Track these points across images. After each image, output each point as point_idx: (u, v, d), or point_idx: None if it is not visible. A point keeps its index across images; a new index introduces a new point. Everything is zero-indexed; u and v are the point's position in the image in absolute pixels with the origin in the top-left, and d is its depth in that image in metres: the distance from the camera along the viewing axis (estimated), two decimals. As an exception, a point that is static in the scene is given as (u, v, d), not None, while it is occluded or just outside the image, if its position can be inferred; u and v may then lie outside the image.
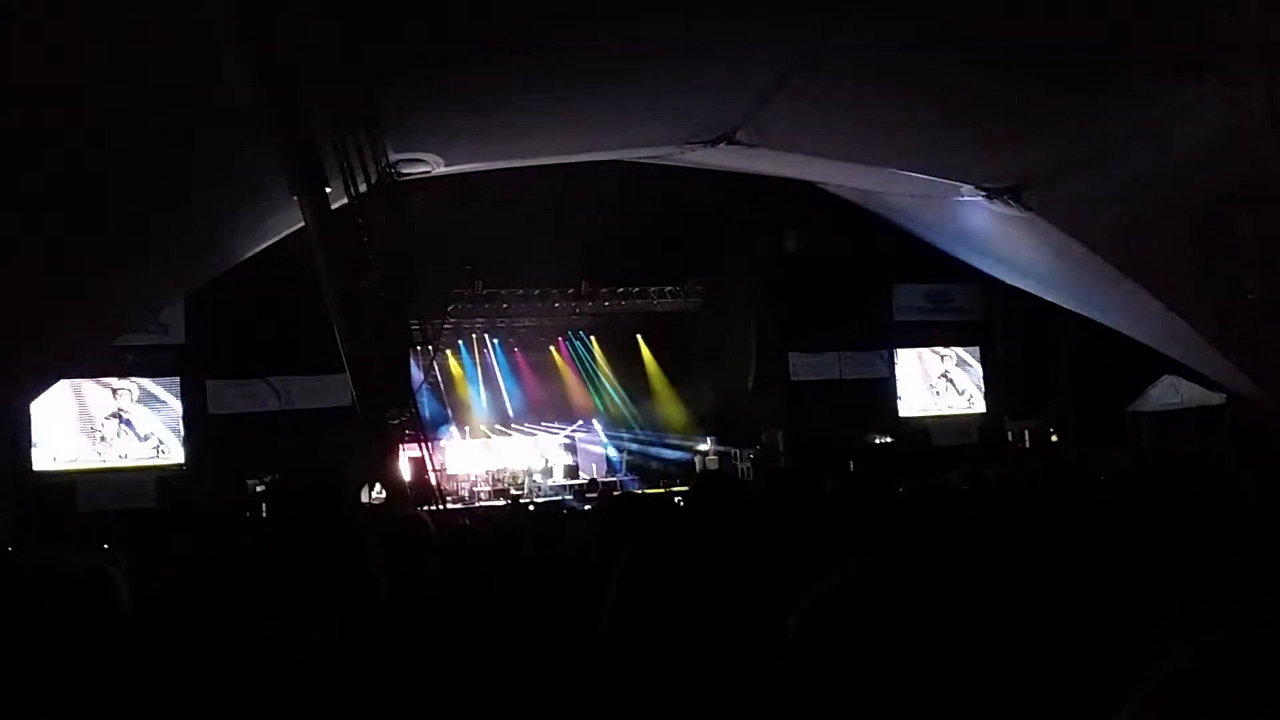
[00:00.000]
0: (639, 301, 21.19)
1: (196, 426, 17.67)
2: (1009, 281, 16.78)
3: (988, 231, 13.92)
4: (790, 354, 20.41)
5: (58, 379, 15.13)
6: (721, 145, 12.00)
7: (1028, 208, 12.23)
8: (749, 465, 19.18)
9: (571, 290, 20.61)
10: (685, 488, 14.70)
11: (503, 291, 20.29)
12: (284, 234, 12.61)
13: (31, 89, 7.07)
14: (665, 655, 2.25)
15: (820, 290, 19.17)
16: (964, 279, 19.62)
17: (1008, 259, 15.18)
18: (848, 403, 20.00)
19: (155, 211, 9.74)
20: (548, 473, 20.22)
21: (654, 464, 20.73)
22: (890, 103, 10.44)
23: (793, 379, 20.39)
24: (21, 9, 6.51)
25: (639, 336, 21.97)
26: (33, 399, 15.29)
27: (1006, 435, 21.08)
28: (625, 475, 20.32)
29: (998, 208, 12.54)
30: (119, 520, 15.14)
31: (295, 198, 9.71)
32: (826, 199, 16.18)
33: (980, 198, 12.50)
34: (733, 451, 19.72)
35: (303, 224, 10.43)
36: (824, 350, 20.48)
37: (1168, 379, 17.84)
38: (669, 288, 21.09)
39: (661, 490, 16.72)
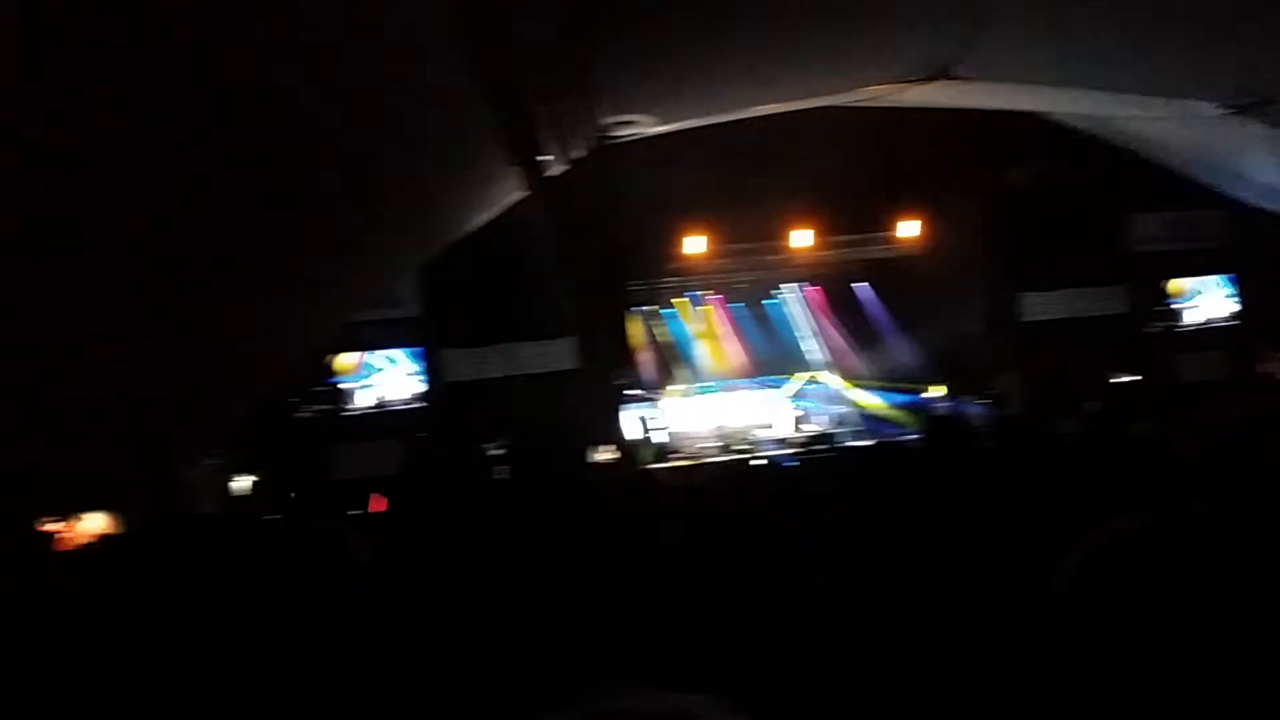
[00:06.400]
0: (859, 249, 20.80)
1: (434, 394, 18.53)
2: (1257, 204, 15.64)
3: (1232, 151, 13.00)
4: (1021, 293, 19.63)
5: (306, 355, 16.06)
6: (938, 81, 11.59)
7: (1277, 124, 11.35)
8: (981, 412, 18.62)
9: (790, 242, 20.41)
10: (915, 436, 14.39)
11: (720, 247, 20.28)
12: (504, 205, 12.96)
13: (262, 80, 7.46)
14: (892, 606, 2.19)
15: (1050, 224, 18.30)
16: (1207, 204, 18.40)
17: (1255, 180, 14.15)
18: (1085, 342, 19.09)
19: (385, 190, 10.16)
20: (773, 427, 20.20)
21: (882, 414, 20.39)
22: (1125, 19, 9.81)
23: (1024, 319, 19.62)
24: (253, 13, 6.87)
25: (861, 284, 21.58)
26: (285, 374, 16.31)
27: (1261, 369, 19.69)
28: (853, 426, 20.06)
29: (1243, 125, 11.67)
30: (368, 488, 15.98)
31: (514, 167, 9.96)
32: (1052, 127, 15.46)
33: (1224, 115, 11.65)
34: (964, 398, 19.19)
35: (522, 193, 10.70)
36: (1057, 288, 19.58)
37: None
38: (889, 232, 20.62)
39: (890, 440, 16.41)
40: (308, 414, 18.10)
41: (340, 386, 18.60)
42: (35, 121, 6.07)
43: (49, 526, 8.93)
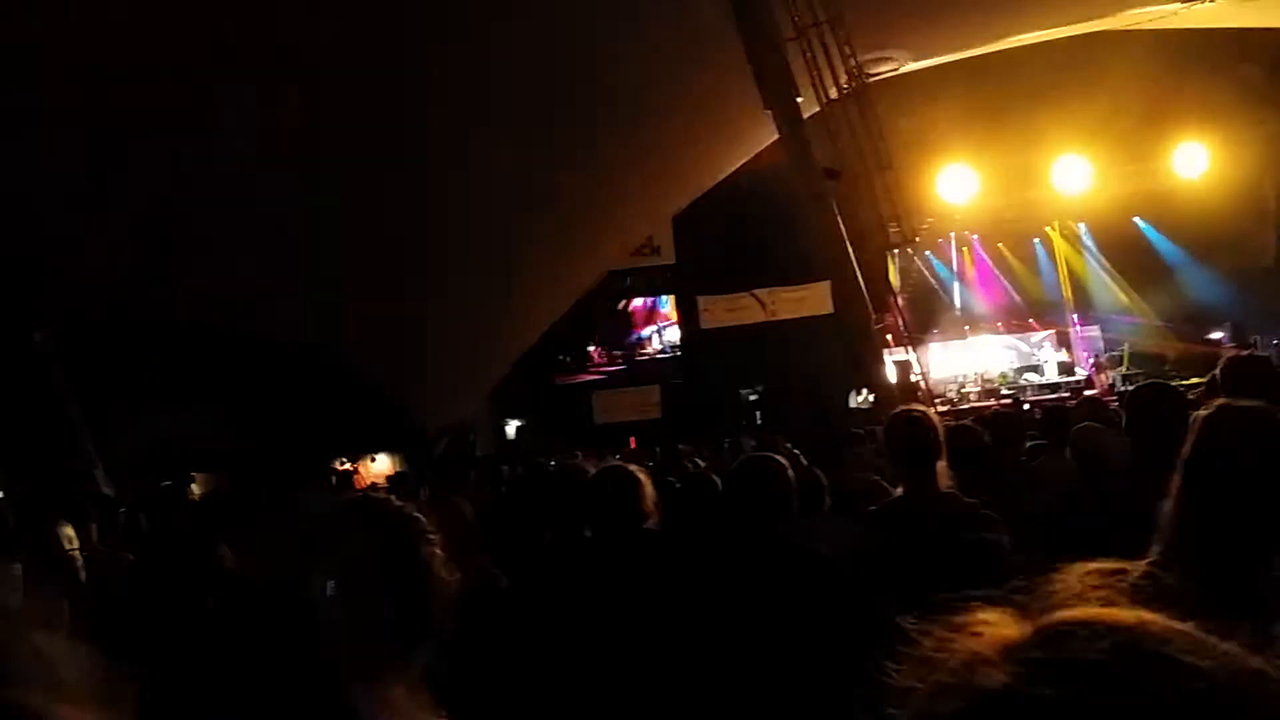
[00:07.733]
0: (1134, 181, 19.54)
1: (691, 340, 18.83)
2: None
3: None
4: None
5: (570, 304, 16.63)
6: (1223, -2, 10.75)
7: None
8: (1274, 353, 17.23)
9: (1059, 177, 19.40)
10: (1198, 380, 13.52)
11: (984, 184, 19.50)
12: (758, 149, 12.90)
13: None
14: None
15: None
16: None
17: None
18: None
19: (642, 142, 10.33)
20: (1039, 370, 19.40)
21: (1165, 356, 19.18)
22: None
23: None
24: None
25: (1136, 219, 20.30)
26: (550, 323, 16.98)
27: None
28: (1128, 370, 19.01)
29: None
30: (629, 431, 16.51)
31: (768, 111, 9.90)
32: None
33: None
34: (1254, 338, 17.81)
35: (776, 137, 10.62)
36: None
37: None
38: (1166, 162, 19.29)
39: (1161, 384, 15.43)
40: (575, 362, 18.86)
41: (634, 332, 19.42)
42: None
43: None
